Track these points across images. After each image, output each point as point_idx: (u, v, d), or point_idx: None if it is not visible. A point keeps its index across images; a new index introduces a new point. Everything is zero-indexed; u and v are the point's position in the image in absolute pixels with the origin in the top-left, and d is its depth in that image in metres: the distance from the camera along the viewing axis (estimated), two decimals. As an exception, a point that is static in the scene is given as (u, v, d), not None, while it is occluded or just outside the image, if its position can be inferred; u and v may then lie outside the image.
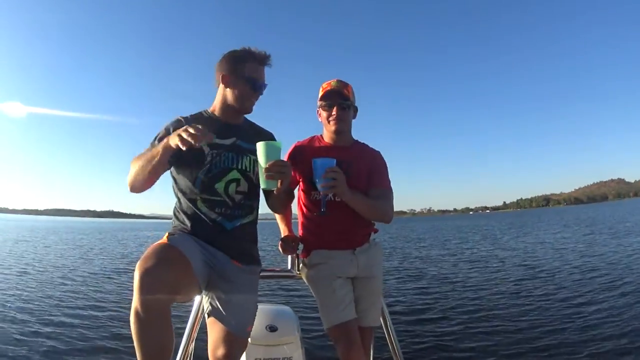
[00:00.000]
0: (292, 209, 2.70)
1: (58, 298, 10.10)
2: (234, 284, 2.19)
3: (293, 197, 2.64)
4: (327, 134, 2.63)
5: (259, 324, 2.58)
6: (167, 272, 1.75)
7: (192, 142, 1.76)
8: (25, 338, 6.64)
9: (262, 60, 2.26)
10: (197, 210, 2.18)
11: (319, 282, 2.51)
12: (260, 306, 2.45)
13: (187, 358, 2.32)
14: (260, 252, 2.50)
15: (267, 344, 2.77)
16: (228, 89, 2.26)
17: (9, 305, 9.03)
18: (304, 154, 2.55)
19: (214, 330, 2.14)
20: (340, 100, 2.48)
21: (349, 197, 2.34)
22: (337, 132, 2.54)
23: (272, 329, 2.84)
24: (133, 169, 2.01)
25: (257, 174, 2.15)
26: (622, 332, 6.39)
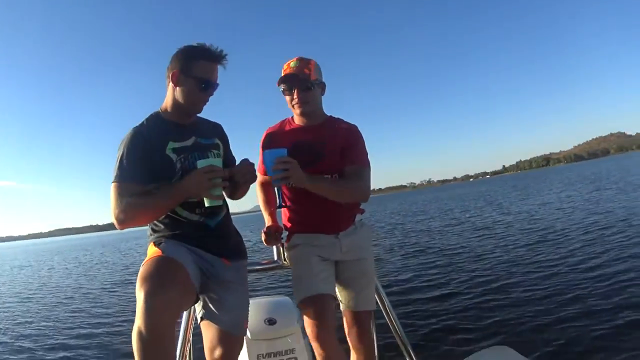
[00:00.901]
0: (277, 198, 2.56)
1: (61, 319, 10.22)
2: (225, 282, 2.18)
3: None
4: (295, 116, 2.56)
5: (257, 319, 2.64)
6: (172, 290, 1.73)
7: (216, 194, 1.94)
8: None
9: (215, 58, 2.14)
10: (177, 217, 2.14)
11: (297, 259, 2.49)
12: (257, 300, 2.53)
13: None
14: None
15: (267, 337, 2.79)
16: (177, 88, 2.15)
17: (13, 333, 9.12)
18: (275, 139, 2.51)
19: (209, 332, 2.12)
20: (299, 83, 2.39)
21: (309, 185, 2.22)
22: (303, 115, 2.47)
23: (271, 322, 2.86)
24: (132, 211, 1.94)
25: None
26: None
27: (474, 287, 8.02)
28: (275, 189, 2.30)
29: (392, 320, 2.63)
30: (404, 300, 7.57)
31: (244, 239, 2.50)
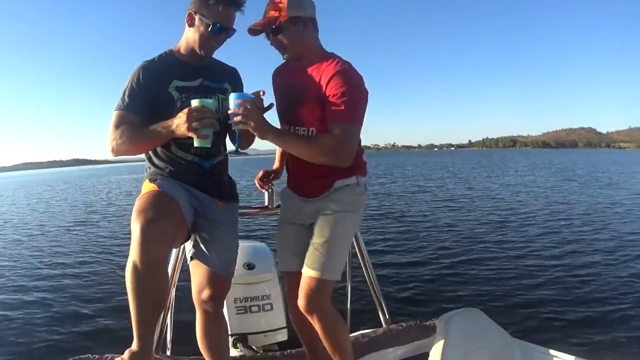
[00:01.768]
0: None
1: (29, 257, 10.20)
2: (217, 223, 2.21)
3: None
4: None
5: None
6: (167, 223, 1.78)
7: (202, 133, 1.91)
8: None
9: (231, 2, 2.10)
10: (172, 155, 2.19)
11: (279, 222, 2.44)
12: None
13: (170, 303, 2.33)
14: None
15: (245, 282, 3.01)
16: (191, 29, 2.16)
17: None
18: (275, 80, 2.38)
19: (198, 273, 2.15)
20: (269, 28, 2.15)
21: (272, 138, 2.03)
22: (289, 60, 2.24)
23: (249, 266, 3.08)
24: (123, 139, 2.01)
25: (226, 112, 2.05)
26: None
27: (443, 255, 8.34)
28: (236, 133, 2.05)
29: (373, 286, 2.66)
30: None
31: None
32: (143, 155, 2.28)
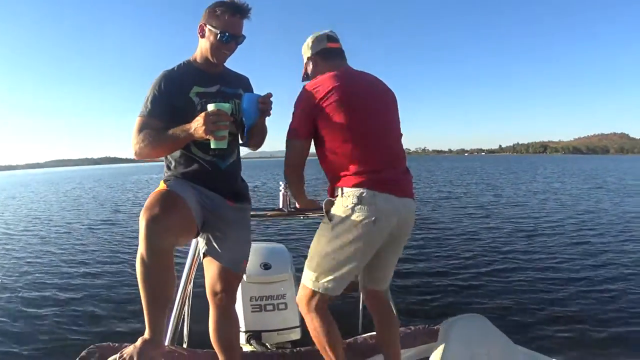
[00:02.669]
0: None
1: (61, 250, 10.75)
2: (229, 222, 2.35)
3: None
4: None
5: (253, 262, 2.88)
6: (171, 219, 1.92)
7: (219, 135, 2.06)
8: (34, 295, 7.07)
9: (236, 11, 2.28)
10: (192, 155, 2.33)
11: None
12: (255, 245, 2.63)
13: (186, 297, 2.49)
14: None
15: (261, 281, 3.17)
16: (203, 40, 2.35)
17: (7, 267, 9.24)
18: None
19: (211, 268, 2.31)
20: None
21: None
22: None
23: (266, 266, 3.22)
24: (145, 143, 2.15)
25: (241, 115, 2.35)
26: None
27: (457, 262, 8.36)
28: (245, 127, 2.36)
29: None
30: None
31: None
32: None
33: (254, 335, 3.15)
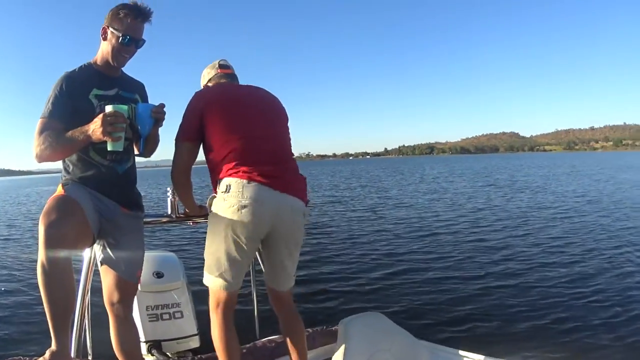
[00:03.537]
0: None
1: None
2: (123, 229, 2.42)
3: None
4: None
5: (145, 271, 2.87)
6: (69, 225, 1.94)
7: (115, 136, 2.08)
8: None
9: (137, 15, 2.34)
10: (90, 159, 2.37)
11: None
12: (146, 254, 2.57)
13: (85, 307, 2.41)
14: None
15: (155, 290, 3.24)
16: (105, 42, 2.40)
17: None
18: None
19: (107, 277, 2.37)
20: None
21: None
22: None
23: (158, 275, 3.29)
24: (45, 145, 2.18)
25: (137, 125, 2.37)
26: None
27: (348, 263, 8.54)
28: (141, 138, 2.41)
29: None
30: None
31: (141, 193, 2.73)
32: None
33: (154, 345, 3.18)
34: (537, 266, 7.71)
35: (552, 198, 18.97)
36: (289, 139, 2.65)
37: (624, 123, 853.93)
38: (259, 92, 2.66)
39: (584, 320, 5.30)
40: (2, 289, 7.92)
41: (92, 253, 2.45)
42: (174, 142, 2.49)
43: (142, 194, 2.62)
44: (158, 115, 2.37)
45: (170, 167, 2.55)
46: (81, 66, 2.47)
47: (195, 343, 3.29)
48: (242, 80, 2.75)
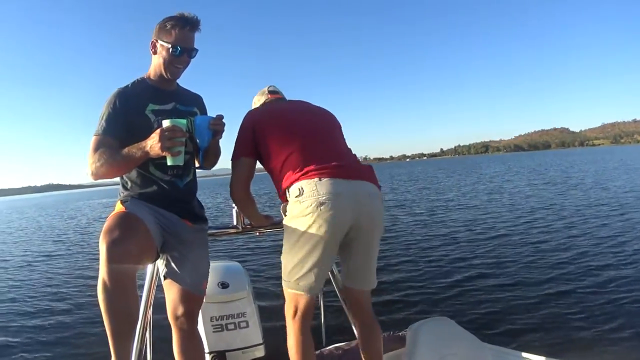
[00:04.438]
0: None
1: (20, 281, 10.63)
2: (186, 243, 2.41)
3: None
4: None
5: (210, 282, 2.78)
6: (132, 242, 1.91)
7: (175, 151, 2.08)
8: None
9: (184, 24, 2.33)
10: (150, 175, 2.39)
11: None
12: (210, 264, 2.58)
13: (147, 321, 2.39)
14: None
15: (220, 301, 3.22)
16: (155, 56, 2.42)
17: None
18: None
19: (172, 291, 2.36)
20: None
21: None
22: None
23: (223, 285, 3.29)
24: (101, 162, 2.17)
25: (196, 138, 2.40)
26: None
27: (413, 268, 8.43)
28: (200, 151, 2.46)
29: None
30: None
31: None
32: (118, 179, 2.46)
33: (218, 356, 3.16)
34: (604, 268, 7.39)
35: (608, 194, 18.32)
36: (344, 140, 2.64)
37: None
38: (305, 104, 2.72)
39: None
40: (50, 306, 7.98)
41: (155, 267, 2.46)
42: (230, 161, 2.53)
43: (203, 203, 2.70)
44: (216, 127, 2.38)
45: (228, 176, 2.57)
46: (134, 81, 2.47)
47: (260, 352, 3.26)
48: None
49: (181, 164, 2.26)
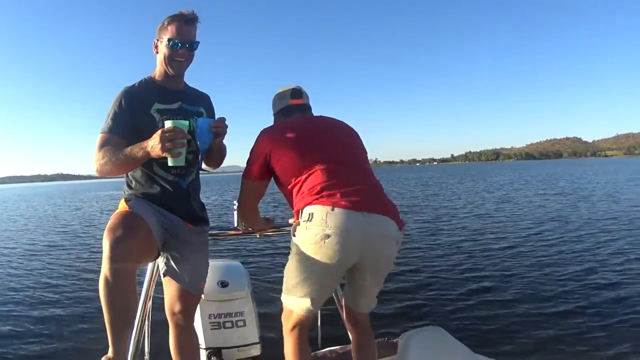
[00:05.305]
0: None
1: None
2: (187, 244, 2.46)
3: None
4: None
5: (210, 280, 2.88)
6: (134, 241, 1.95)
7: (175, 152, 2.08)
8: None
9: (181, 18, 2.36)
10: (153, 174, 2.41)
11: None
12: (211, 262, 2.66)
13: (145, 315, 2.45)
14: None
15: (219, 299, 3.27)
16: (158, 55, 2.44)
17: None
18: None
19: (170, 288, 2.46)
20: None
21: None
22: None
23: (223, 284, 3.32)
24: (104, 160, 2.20)
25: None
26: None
27: (408, 275, 8.46)
28: (200, 151, 2.43)
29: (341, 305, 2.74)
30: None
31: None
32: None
33: (215, 353, 3.20)
34: (607, 287, 7.27)
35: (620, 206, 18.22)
36: (368, 161, 2.52)
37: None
38: (328, 121, 2.56)
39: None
40: (52, 298, 8.06)
41: (155, 264, 2.51)
42: (241, 178, 2.51)
43: (206, 201, 2.68)
44: (218, 129, 2.34)
45: (235, 173, 2.61)
46: (141, 80, 2.50)
47: (256, 351, 3.29)
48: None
49: (182, 164, 2.27)
